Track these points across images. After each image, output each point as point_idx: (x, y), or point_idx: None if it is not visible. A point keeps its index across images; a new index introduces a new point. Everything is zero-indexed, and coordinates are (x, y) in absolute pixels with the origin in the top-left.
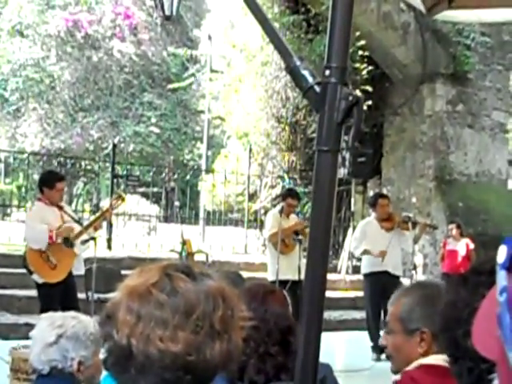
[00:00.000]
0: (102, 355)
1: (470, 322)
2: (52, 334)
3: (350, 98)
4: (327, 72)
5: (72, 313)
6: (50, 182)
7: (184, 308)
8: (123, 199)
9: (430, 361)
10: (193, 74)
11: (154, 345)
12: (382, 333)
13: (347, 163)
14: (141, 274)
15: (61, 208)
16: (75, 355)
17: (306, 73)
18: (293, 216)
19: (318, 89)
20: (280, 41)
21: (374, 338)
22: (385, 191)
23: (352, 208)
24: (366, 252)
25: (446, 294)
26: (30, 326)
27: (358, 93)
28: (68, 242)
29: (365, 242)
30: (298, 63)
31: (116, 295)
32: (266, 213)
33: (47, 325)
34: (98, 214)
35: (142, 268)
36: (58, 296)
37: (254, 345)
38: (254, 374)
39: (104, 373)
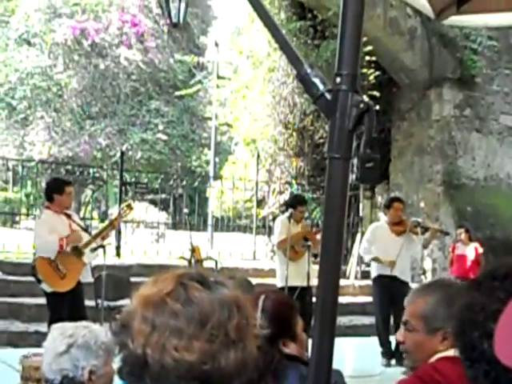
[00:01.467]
0: (115, 364)
1: (486, 325)
2: (63, 344)
3: (361, 106)
4: (338, 79)
5: (84, 322)
6: (59, 188)
7: (199, 317)
8: (132, 208)
9: (451, 353)
10: (200, 81)
11: (169, 354)
12: (393, 337)
13: (355, 169)
14: (155, 284)
15: (69, 216)
16: (86, 364)
17: (316, 80)
18: (303, 223)
19: (328, 96)
20: (290, 48)
21: (384, 343)
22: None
23: (360, 213)
24: (375, 259)
25: (459, 297)
26: (40, 334)
27: (365, 98)
28: (77, 251)
29: (375, 246)
30: (309, 71)
31: (130, 304)
32: (274, 219)
33: (58, 334)
34: (106, 223)
35: (157, 277)
36: (67, 305)
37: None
38: None
39: (117, 382)
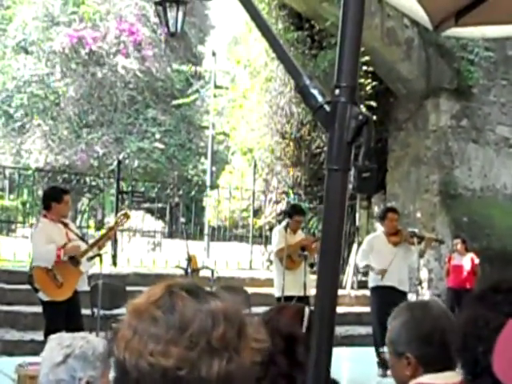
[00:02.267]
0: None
1: (490, 340)
2: (60, 354)
3: (360, 117)
4: (337, 91)
5: (81, 333)
6: (57, 196)
7: (179, 324)
8: (128, 217)
9: (424, 380)
10: (197, 90)
11: (145, 359)
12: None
13: (352, 179)
14: (148, 293)
15: (66, 225)
16: (83, 375)
17: (315, 92)
18: (300, 232)
19: (327, 108)
20: (289, 59)
21: (381, 353)
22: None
23: (357, 223)
24: (367, 267)
25: (461, 310)
26: (36, 343)
27: (362, 108)
28: (74, 260)
29: (371, 256)
30: (308, 82)
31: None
32: (271, 228)
33: (56, 345)
34: (103, 232)
35: (152, 286)
36: (63, 314)
37: None
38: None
39: None
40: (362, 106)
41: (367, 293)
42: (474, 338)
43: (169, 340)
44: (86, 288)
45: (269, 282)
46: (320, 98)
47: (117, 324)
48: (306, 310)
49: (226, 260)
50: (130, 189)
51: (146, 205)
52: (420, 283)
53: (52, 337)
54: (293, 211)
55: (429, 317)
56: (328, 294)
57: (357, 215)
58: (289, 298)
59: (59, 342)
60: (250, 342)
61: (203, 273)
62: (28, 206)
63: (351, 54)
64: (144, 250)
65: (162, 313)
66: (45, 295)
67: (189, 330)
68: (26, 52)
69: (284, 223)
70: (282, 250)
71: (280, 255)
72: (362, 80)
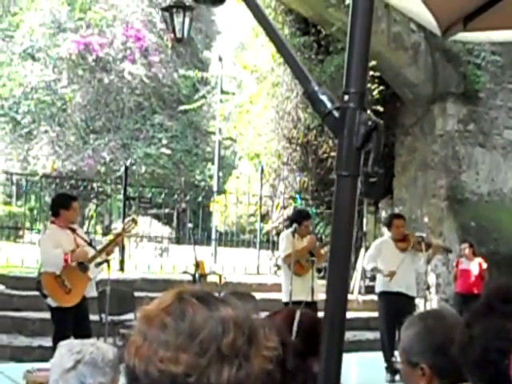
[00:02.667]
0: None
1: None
2: (70, 360)
3: (369, 123)
4: (346, 97)
5: (91, 340)
6: (65, 203)
7: (189, 330)
8: (136, 222)
9: None
10: (203, 96)
11: (155, 365)
12: (397, 354)
13: (359, 184)
14: (159, 299)
15: (74, 231)
16: (93, 382)
17: (324, 98)
18: (308, 237)
19: (336, 114)
20: (297, 65)
21: (388, 358)
22: (396, 211)
23: (364, 228)
24: (375, 269)
25: (471, 322)
26: (44, 349)
27: (369, 113)
28: (82, 266)
29: (379, 261)
30: (316, 88)
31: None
32: (278, 233)
33: (66, 351)
34: (111, 238)
35: (164, 293)
36: (72, 320)
37: None
38: None
39: None
40: (368, 111)
41: (375, 298)
42: (497, 351)
43: (178, 346)
44: (95, 294)
45: (276, 287)
46: (329, 104)
47: (128, 330)
48: (297, 314)
49: (233, 265)
50: (137, 194)
51: (153, 210)
52: (428, 288)
53: (62, 343)
54: (300, 216)
55: (442, 326)
56: (338, 298)
57: (364, 220)
58: (296, 303)
59: (69, 349)
60: (261, 349)
61: (211, 278)
62: (35, 212)
63: (360, 59)
64: (151, 255)
65: (172, 319)
66: (53, 301)
67: (199, 337)
68: (33, 58)
69: (292, 228)
70: (289, 256)
71: (288, 261)
72: (368, 85)
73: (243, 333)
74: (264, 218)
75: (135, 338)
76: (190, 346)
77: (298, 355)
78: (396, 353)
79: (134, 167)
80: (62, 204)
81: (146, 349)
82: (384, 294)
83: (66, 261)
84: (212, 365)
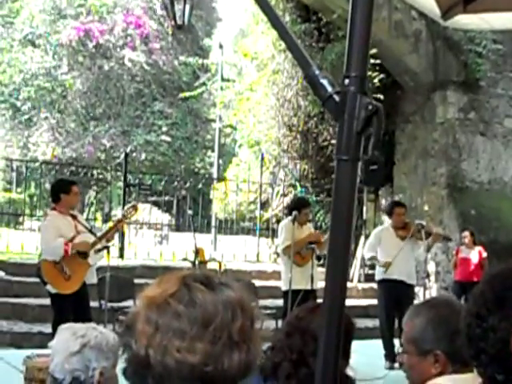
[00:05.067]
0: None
1: None
2: (76, 344)
3: (370, 107)
4: (346, 81)
5: (92, 324)
6: (65, 187)
7: (202, 319)
8: (136, 209)
9: (441, 381)
10: (204, 83)
11: (172, 355)
12: (396, 341)
13: (359, 171)
14: (160, 285)
15: (74, 217)
16: (97, 366)
17: (325, 82)
18: (308, 225)
19: (337, 98)
20: (298, 49)
21: (388, 346)
22: (396, 199)
23: (364, 216)
24: (373, 258)
25: (450, 318)
26: (44, 335)
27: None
28: (82, 253)
29: (379, 249)
30: (317, 72)
31: (135, 305)
32: (278, 221)
33: (70, 334)
34: (111, 225)
35: (161, 278)
36: (71, 306)
37: (288, 351)
38: (283, 378)
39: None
40: None
41: (374, 286)
42: None
43: (194, 336)
44: (95, 281)
45: (276, 275)
46: (329, 88)
47: (127, 316)
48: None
49: (233, 253)
50: (137, 182)
51: (153, 198)
52: (427, 276)
53: (63, 326)
54: (300, 204)
55: (455, 313)
56: (337, 285)
57: (364, 208)
58: (296, 292)
59: (73, 332)
60: (259, 330)
61: (210, 265)
62: (35, 198)
63: (361, 43)
64: (151, 242)
65: (183, 307)
66: (53, 288)
67: (212, 325)
68: (33, 45)
69: (291, 216)
70: (288, 247)
71: (287, 252)
72: (369, 73)
73: (247, 317)
74: (264, 205)
75: (143, 326)
76: (204, 334)
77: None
78: (396, 342)
79: (134, 154)
80: (62, 189)
81: (160, 338)
82: (384, 282)
83: (66, 252)
84: (225, 351)
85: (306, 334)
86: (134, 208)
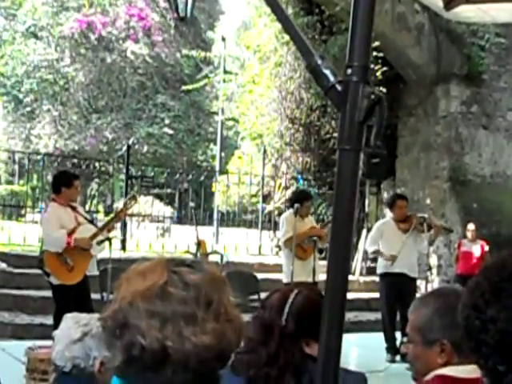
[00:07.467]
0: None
1: None
2: (78, 332)
3: (372, 97)
4: (349, 71)
5: (96, 314)
6: (67, 181)
7: (204, 299)
8: (136, 199)
9: (445, 371)
10: (206, 76)
11: (190, 341)
12: (398, 335)
13: (361, 164)
14: (145, 277)
15: (74, 209)
16: (98, 355)
17: (327, 71)
18: (310, 218)
19: (339, 87)
20: (301, 39)
21: (389, 339)
22: (399, 192)
23: (366, 209)
24: (377, 252)
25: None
26: (45, 327)
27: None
28: None
29: (381, 242)
30: (320, 62)
31: (119, 303)
32: (280, 214)
33: (73, 323)
34: (112, 215)
35: (140, 271)
36: (73, 297)
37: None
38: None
39: None
40: None
41: (376, 279)
42: None
43: (203, 317)
44: (96, 272)
45: (278, 268)
46: (332, 78)
47: (111, 315)
48: (292, 295)
49: (235, 245)
50: (139, 174)
51: (155, 190)
52: (429, 269)
53: (68, 315)
54: (302, 197)
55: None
56: (338, 278)
57: (366, 201)
58: (297, 284)
59: (77, 321)
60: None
61: (212, 258)
62: (37, 191)
63: (363, 32)
64: (153, 235)
65: (184, 291)
66: (55, 279)
67: (213, 304)
68: (36, 37)
69: (293, 209)
70: (290, 240)
71: (288, 245)
72: (371, 66)
73: (228, 289)
74: (266, 198)
75: (147, 321)
76: (209, 314)
77: (287, 337)
78: (398, 335)
79: (136, 147)
80: (64, 182)
81: (172, 327)
82: (386, 275)
83: (68, 243)
84: (225, 326)
85: (260, 326)
86: (134, 198)
